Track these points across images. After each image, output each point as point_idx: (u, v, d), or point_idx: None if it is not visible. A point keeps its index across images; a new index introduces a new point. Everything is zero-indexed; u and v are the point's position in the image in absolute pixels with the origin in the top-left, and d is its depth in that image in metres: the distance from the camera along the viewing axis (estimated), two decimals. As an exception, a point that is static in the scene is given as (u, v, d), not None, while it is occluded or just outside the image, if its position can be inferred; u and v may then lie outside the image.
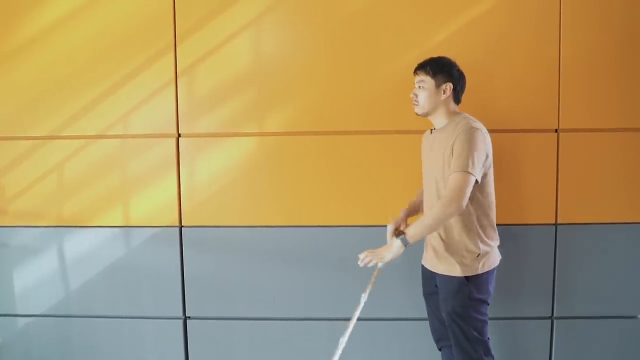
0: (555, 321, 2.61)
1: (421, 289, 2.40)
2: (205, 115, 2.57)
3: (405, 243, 2.09)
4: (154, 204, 2.61)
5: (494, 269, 2.25)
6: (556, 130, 2.53)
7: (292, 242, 2.61)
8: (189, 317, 2.67)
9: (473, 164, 2.06)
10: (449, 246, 2.20)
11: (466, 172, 2.05)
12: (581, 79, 2.50)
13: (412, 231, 2.09)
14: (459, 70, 2.24)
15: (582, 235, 2.56)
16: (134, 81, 2.57)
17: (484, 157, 2.13)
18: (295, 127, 2.55)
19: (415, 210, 2.43)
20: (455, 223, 2.18)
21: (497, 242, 2.28)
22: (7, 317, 2.74)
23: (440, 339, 2.38)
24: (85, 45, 2.57)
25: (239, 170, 2.60)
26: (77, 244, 2.66)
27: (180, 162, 2.59)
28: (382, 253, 2.13)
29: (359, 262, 2.13)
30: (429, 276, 2.33)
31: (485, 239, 2.21)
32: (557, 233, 2.56)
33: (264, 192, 2.59)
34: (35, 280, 2.69)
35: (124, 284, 2.66)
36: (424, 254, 2.37)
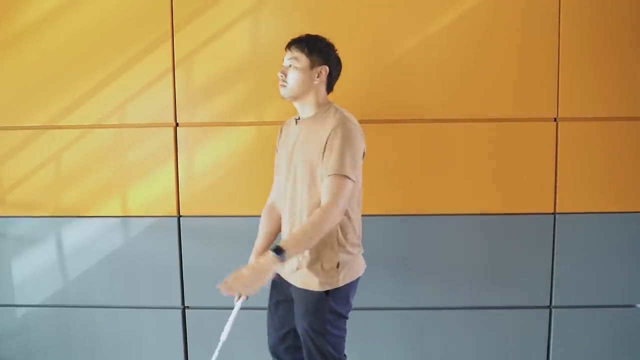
0: (553, 310, 2.61)
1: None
2: (203, 104, 2.56)
3: (283, 259, 1.75)
4: (151, 193, 2.61)
5: (356, 279, 2.02)
6: (555, 120, 2.52)
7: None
8: (188, 307, 2.67)
9: (351, 165, 1.84)
10: (306, 255, 1.92)
11: (344, 175, 1.83)
12: (580, 68, 2.49)
13: (289, 245, 1.77)
14: (337, 55, 2.02)
15: (580, 224, 2.56)
16: (131, 70, 2.55)
17: (361, 157, 1.94)
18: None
19: (270, 240, 2.13)
20: None
21: (361, 250, 2.06)
22: (5, 308, 2.74)
23: (275, 352, 2.16)
24: (81, 34, 2.56)
25: (237, 160, 2.59)
26: (75, 234, 2.65)
27: (178, 151, 2.59)
28: (254, 280, 1.73)
29: (222, 292, 1.74)
30: (280, 284, 2.06)
31: (347, 246, 1.96)
32: (556, 222, 2.56)
33: (262, 182, 2.57)
34: (34, 271, 2.69)
35: (122, 274, 2.66)
36: None
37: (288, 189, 2.01)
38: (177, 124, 2.58)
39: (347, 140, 1.85)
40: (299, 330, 2.00)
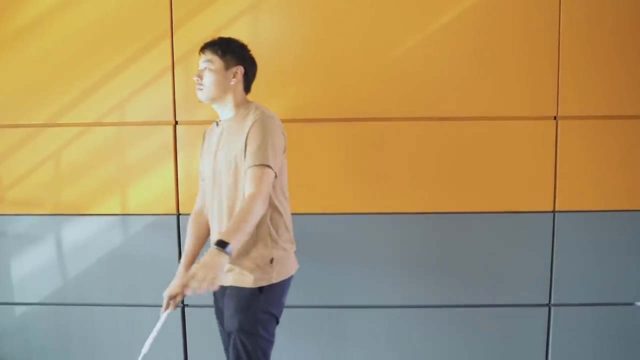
0: (552, 308, 2.62)
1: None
2: (202, 102, 2.55)
3: (230, 252, 1.69)
4: (151, 191, 2.60)
5: (289, 278, 2.00)
6: (555, 118, 2.52)
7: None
8: (187, 305, 2.67)
9: (271, 156, 1.83)
10: (238, 251, 1.86)
11: (264, 165, 1.81)
12: (580, 66, 2.49)
13: (229, 236, 1.71)
14: (251, 55, 2.03)
15: (580, 222, 2.56)
16: (130, 68, 2.55)
17: (282, 149, 1.93)
18: (293, 114, 2.54)
19: (199, 245, 2.10)
20: None
21: (293, 247, 2.04)
22: (4, 306, 2.74)
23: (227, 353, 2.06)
24: (81, 32, 2.55)
25: (236, 158, 2.58)
26: (75, 232, 2.65)
27: (178, 149, 2.58)
28: (207, 275, 1.63)
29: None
30: (219, 291, 1.96)
31: (280, 242, 1.94)
32: (555, 220, 2.56)
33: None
34: (33, 269, 2.69)
35: (122, 272, 2.66)
36: None
37: (215, 192, 1.99)
38: (176, 122, 2.58)
39: (266, 132, 1.85)
40: (229, 331, 1.94)
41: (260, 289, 1.90)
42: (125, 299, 2.67)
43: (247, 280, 1.90)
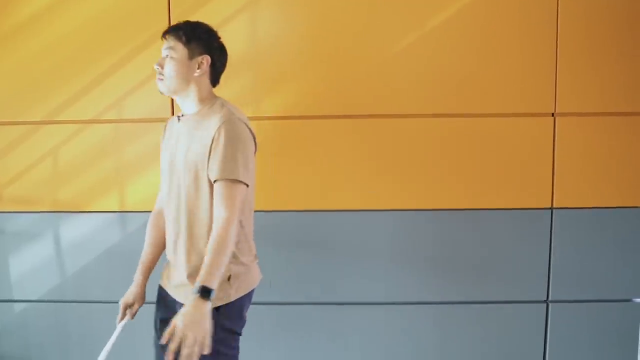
0: (550, 305, 2.62)
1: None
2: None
3: (210, 296, 1.56)
4: (149, 188, 2.59)
5: (251, 291, 1.85)
6: (553, 114, 2.52)
7: (289, 227, 2.60)
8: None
9: (242, 168, 1.67)
10: (193, 269, 1.71)
11: (236, 180, 1.65)
12: (578, 63, 2.49)
13: (209, 278, 1.57)
14: (220, 43, 1.83)
15: (577, 219, 2.56)
16: (128, 65, 2.55)
17: (253, 158, 1.76)
18: (291, 111, 2.54)
19: (156, 252, 1.96)
20: (200, 239, 1.73)
21: (255, 259, 1.89)
22: (3, 303, 2.74)
23: None
24: (79, 29, 2.55)
25: (234, 155, 2.58)
26: (73, 229, 2.65)
27: (176, 147, 2.58)
28: (198, 335, 1.50)
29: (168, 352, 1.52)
30: (166, 299, 1.89)
31: (239, 256, 1.77)
32: (553, 217, 2.56)
33: (259, 177, 2.56)
34: (32, 266, 2.69)
35: (121, 269, 2.62)
36: (164, 271, 1.96)
37: (172, 194, 1.82)
38: (174, 119, 2.58)
39: (235, 139, 1.67)
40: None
41: (217, 308, 1.70)
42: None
43: None
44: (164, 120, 2.54)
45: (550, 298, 2.61)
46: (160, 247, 1.96)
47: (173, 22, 2.45)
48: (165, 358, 1.52)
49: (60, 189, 2.63)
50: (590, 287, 2.61)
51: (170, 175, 1.82)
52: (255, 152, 1.81)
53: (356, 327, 2.63)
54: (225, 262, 1.64)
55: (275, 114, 2.55)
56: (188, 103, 1.81)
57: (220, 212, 1.65)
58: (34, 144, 2.61)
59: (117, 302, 2.66)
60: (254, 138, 1.80)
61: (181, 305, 1.71)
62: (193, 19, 2.44)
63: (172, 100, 2.54)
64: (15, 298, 2.72)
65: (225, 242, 1.62)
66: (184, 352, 1.48)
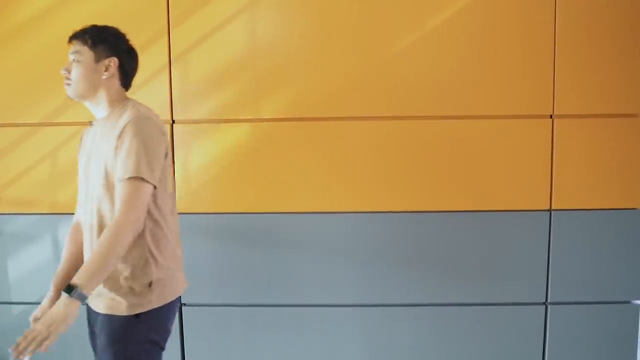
0: (549, 307, 2.62)
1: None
2: (199, 101, 2.56)
3: (82, 297, 1.47)
4: (148, 190, 2.60)
5: (175, 300, 1.75)
6: (551, 117, 2.53)
7: (287, 229, 2.60)
8: (184, 304, 2.66)
9: (148, 166, 1.57)
10: (110, 274, 1.59)
11: (139, 178, 1.56)
12: (576, 65, 2.50)
13: (84, 275, 1.49)
14: (129, 45, 1.80)
15: (576, 221, 2.56)
16: (127, 67, 2.55)
17: (161, 154, 1.65)
18: (290, 113, 2.54)
19: (73, 265, 1.82)
20: None
21: (179, 265, 1.79)
22: (2, 305, 2.74)
23: None
24: (78, 31, 2.55)
25: (233, 157, 2.59)
26: (72, 231, 2.65)
27: (175, 148, 2.58)
28: (48, 333, 1.43)
29: (12, 356, 1.45)
30: (90, 312, 1.79)
31: (161, 261, 1.68)
32: (552, 219, 2.56)
33: (258, 179, 2.58)
34: (31, 268, 2.69)
35: None
36: None
37: (87, 202, 1.74)
38: (173, 121, 2.58)
39: (140, 137, 1.59)
40: None
41: (137, 315, 1.64)
42: (122, 297, 2.67)
43: (120, 306, 1.65)
44: (164, 121, 2.56)
45: (549, 300, 2.61)
46: (77, 262, 1.81)
47: (172, 23, 2.50)
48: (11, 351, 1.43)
49: (59, 191, 2.63)
50: (589, 289, 2.61)
51: (86, 183, 1.76)
52: (167, 154, 1.71)
53: (355, 329, 2.63)
54: (109, 266, 1.53)
55: (274, 116, 2.55)
56: (99, 107, 1.76)
57: (116, 212, 1.57)
58: (33, 145, 2.61)
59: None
60: (166, 140, 1.71)
61: (99, 316, 1.70)
62: (193, 19, 2.50)
63: (171, 101, 2.55)
64: (15, 300, 2.72)
65: (112, 244, 1.52)
66: (21, 341, 1.43)
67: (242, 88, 2.55)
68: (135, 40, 2.51)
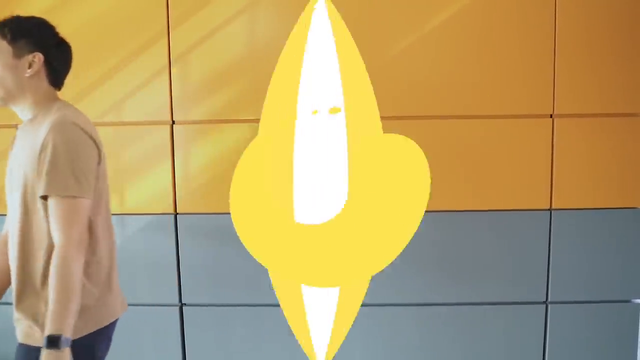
0: (549, 306, 2.62)
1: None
2: (199, 102, 2.56)
3: (68, 341, 1.35)
4: (148, 191, 2.60)
5: (105, 328, 1.55)
6: (551, 116, 2.53)
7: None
8: (185, 304, 2.67)
9: (75, 181, 1.41)
10: (28, 298, 1.46)
11: (71, 196, 1.40)
12: (577, 64, 2.50)
13: (55, 320, 1.34)
14: (58, 38, 1.60)
15: (576, 220, 2.57)
16: (127, 68, 2.55)
17: (92, 163, 1.50)
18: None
19: (3, 280, 1.64)
20: (35, 263, 1.45)
21: (111, 289, 1.59)
22: (3, 306, 2.72)
23: None
24: (77, 32, 2.54)
25: (234, 157, 2.57)
26: (72, 231, 2.65)
27: (175, 149, 2.58)
28: None
29: None
30: None
31: (89, 286, 1.49)
32: (552, 218, 2.57)
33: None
34: None
35: (120, 271, 2.62)
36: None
37: (10, 215, 1.55)
38: (173, 122, 2.58)
39: (64, 147, 1.41)
40: None
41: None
42: (123, 298, 2.67)
43: (36, 335, 1.46)
44: (163, 122, 2.57)
45: (549, 299, 2.62)
46: (6, 276, 1.62)
47: (172, 23, 2.50)
48: None
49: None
50: (589, 288, 2.61)
51: (10, 194, 1.55)
52: (100, 161, 1.56)
53: (356, 329, 2.62)
54: (74, 298, 1.38)
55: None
56: (24, 109, 1.55)
57: (55, 238, 1.40)
58: None
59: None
60: (97, 145, 1.55)
61: (18, 346, 1.53)
62: (192, 20, 2.50)
63: (171, 103, 2.55)
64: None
65: (67, 279, 1.37)
66: None
67: (242, 88, 2.55)
68: (135, 41, 2.54)
